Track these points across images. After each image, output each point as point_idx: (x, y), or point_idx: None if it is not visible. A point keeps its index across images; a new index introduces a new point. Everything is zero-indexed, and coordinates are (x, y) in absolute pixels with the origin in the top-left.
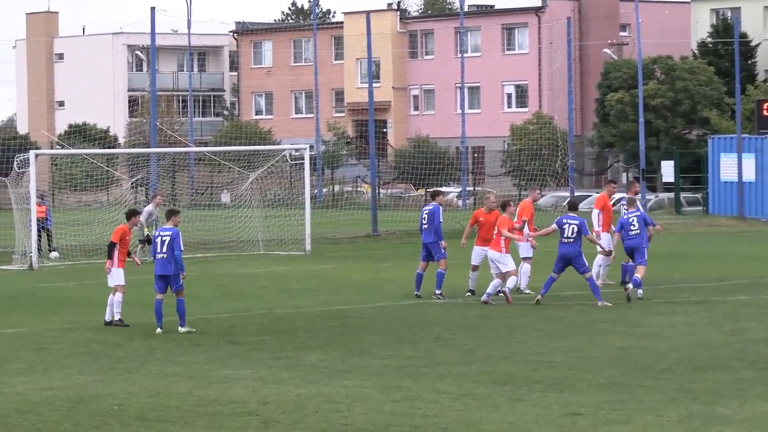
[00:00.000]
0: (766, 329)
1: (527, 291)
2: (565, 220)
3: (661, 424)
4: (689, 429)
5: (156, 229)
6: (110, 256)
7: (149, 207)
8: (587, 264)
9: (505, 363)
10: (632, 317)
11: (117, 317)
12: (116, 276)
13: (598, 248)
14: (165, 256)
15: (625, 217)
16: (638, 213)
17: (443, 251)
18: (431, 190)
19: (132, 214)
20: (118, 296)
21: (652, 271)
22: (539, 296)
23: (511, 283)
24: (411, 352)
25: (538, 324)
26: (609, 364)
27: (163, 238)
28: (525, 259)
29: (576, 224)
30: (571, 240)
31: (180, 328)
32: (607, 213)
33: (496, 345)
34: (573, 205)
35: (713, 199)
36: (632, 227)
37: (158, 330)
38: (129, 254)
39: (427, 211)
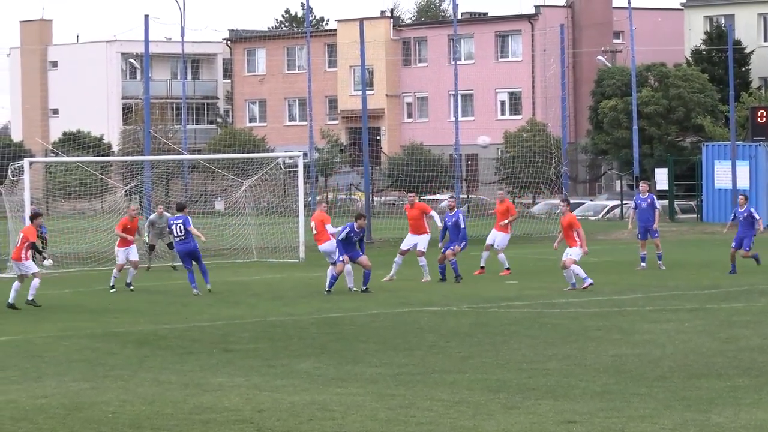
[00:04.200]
0: (760, 337)
1: (354, 288)
2: (172, 222)
3: None
4: None
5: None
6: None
7: (153, 216)
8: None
9: (499, 370)
10: (626, 325)
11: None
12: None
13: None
14: (184, 237)
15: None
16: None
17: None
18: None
19: (35, 215)
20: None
21: (646, 278)
22: (197, 292)
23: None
24: (405, 359)
25: (532, 332)
26: (603, 371)
27: (177, 224)
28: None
29: (180, 223)
30: (183, 237)
31: (207, 285)
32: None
33: (490, 352)
34: (180, 207)
35: (707, 207)
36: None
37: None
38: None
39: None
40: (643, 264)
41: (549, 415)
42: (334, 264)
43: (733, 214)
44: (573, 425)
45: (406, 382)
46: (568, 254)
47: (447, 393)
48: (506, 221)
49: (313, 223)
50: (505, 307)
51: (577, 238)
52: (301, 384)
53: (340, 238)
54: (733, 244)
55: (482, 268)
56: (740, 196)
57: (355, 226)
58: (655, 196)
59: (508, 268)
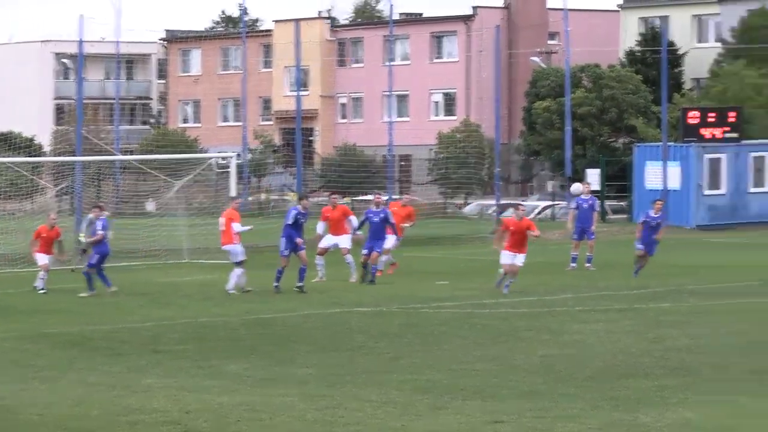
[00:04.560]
0: (687, 337)
1: (233, 291)
2: (107, 223)
3: None
4: None
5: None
6: None
7: (91, 216)
8: None
9: (428, 371)
10: (555, 325)
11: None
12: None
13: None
14: (107, 239)
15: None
16: None
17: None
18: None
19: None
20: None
21: (577, 279)
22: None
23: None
24: (334, 360)
25: (462, 332)
26: (532, 372)
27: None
28: (240, 263)
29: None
30: (107, 239)
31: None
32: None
33: (420, 353)
34: (101, 209)
35: (638, 207)
36: None
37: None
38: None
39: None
40: (573, 264)
41: (477, 416)
42: (237, 264)
43: (643, 218)
44: (501, 425)
45: (335, 383)
46: (516, 261)
47: (375, 393)
48: (406, 225)
49: (222, 220)
50: (436, 308)
51: (533, 235)
52: (229, 385)
53: (288, 222)
54: (640, 246)
55: (393, 263)
56: (657, 201)
57: (300, 208)
58: (596, 199)
59: (380, 270)
